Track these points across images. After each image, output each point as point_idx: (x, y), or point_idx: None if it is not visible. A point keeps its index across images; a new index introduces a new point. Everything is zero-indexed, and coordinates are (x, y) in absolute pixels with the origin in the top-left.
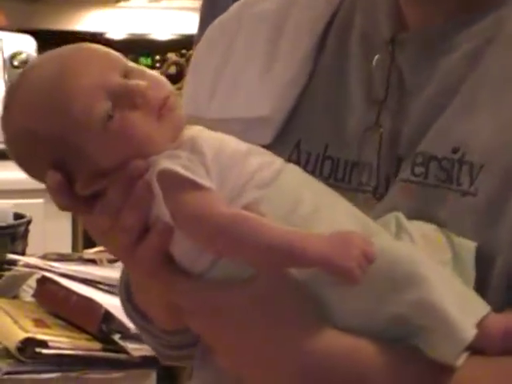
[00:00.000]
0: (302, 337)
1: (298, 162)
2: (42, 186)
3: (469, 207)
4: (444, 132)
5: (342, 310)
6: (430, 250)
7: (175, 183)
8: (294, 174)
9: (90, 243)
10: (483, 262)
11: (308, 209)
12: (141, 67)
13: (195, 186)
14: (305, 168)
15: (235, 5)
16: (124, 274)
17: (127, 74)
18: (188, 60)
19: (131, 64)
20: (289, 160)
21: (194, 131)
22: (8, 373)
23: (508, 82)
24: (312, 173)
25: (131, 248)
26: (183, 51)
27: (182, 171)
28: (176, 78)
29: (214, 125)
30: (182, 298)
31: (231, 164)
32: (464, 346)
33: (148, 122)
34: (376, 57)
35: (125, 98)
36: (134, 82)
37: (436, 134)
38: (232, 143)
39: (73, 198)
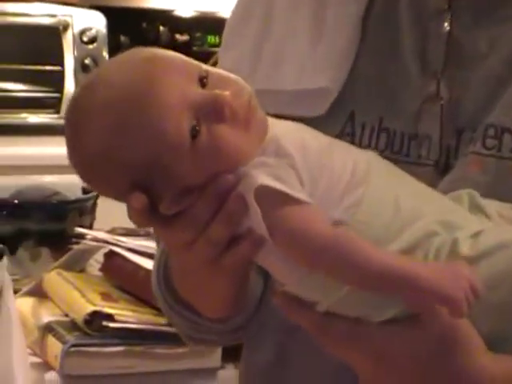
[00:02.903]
0: (480, 375)
1: (352, 134)
2: None
3: None
4: None
5: (480, 306)
6: None
7: (273, 199)
8: (380, 166)
9: None
10: None
11: (411, 203)
12: (215, 69)
13: (293, 201)
14: (360, 140)
15: None
16: (162, 254)
17: (204, 79)
18: None
19: (205, 67)
20: (342, 132)
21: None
22: (75, 345)
23: None
24: (367, 145)
25: (215, 260)
26: None
27: (278, 186)
28: None
29: (258, 95)
30: (338, 339)
31: (320, 164)
32: None
33: (236, 133)
34: (431, 25)
35: (210, 111)
36: (217, 92)
37: (508, 106)
38: (312, 138)
39: (153, 217)
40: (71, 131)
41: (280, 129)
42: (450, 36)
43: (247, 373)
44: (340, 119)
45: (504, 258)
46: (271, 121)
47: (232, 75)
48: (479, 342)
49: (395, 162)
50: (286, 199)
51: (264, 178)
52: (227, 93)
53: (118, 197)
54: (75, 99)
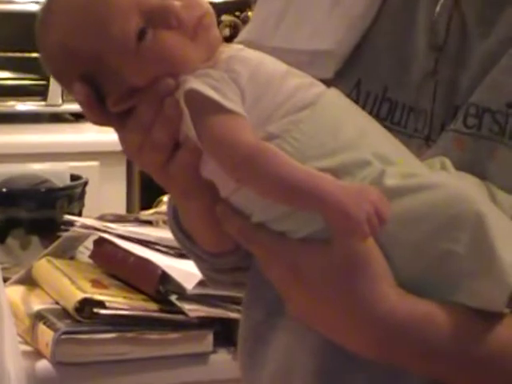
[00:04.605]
0: (378, 305)
1: (356, 101)
2: (97, 148)
3: None
4: (498, 85)
5: (395, 242)
6: None
7: (201, 105)
8: (337, 97)
9: (145, 205)
10: None
11: (353, 133)
12: None
13: (222, 110)
14: (363, 108)
15: None
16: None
17: None
18: (244, 22)
19: None
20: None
21: (233, 50)
22: (66, 332)
23: None
24: (369, 113)
25: (163, 165)
26: (237, 13)
27: (209, 92)
28: (230, 41)
29: (277, 53)
30: (261, 249)
31: (267, 84)
32: None
33: (181, 42)
34: (441, 1)
35: (159, 18)
36: (168, 1)
37: (490, 86)
38: (271, 63)
39: (104, 113)
40: (38, 27)
41: (240, 52)
42: (457, 13)
43: (243, 326)
44: (347, 85)
45: (426, 198)
46: (241, 47)
47: None
48: (386, 271)
49: (393, 132)
50: (215, 107)
51: (196, 84)
52: (177, 2)
53: (70, 89)
54: (46, 1)
